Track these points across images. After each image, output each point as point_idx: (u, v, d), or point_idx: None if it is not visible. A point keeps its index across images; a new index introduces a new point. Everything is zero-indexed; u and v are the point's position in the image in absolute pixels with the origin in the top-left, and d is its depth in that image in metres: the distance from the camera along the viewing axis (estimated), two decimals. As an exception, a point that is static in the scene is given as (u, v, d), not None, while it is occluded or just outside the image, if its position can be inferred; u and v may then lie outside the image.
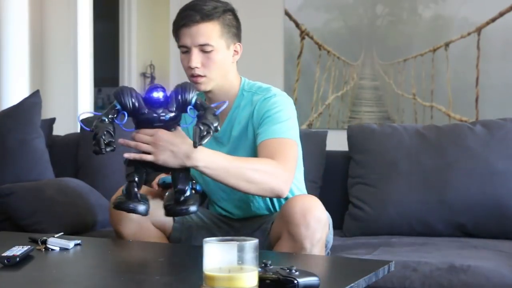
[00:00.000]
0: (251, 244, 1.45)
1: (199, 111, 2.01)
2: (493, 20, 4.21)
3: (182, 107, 2.02)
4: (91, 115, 2.09)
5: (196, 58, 2.27)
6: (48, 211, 2.86)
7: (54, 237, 2.08)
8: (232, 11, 2.35)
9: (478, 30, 4.24)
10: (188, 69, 2.29)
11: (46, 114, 4.06)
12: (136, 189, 2.05)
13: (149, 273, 1.85)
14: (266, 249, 2.25)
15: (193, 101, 2.01)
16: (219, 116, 2.00)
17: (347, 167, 3.06)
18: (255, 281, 1.46)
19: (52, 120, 3.49)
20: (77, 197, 2.99)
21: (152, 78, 7.95)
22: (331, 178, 3.09)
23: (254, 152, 2.30)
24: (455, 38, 4.31)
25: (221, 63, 2.30)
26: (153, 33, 7.54)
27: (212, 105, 2.04)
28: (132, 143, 2.07)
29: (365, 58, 4.53)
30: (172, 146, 2.04)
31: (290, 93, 4.61)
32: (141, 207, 2.04)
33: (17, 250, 1.86)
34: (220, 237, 1.50)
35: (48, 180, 3.11)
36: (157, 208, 2.19)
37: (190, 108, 2.01)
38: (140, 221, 2.17)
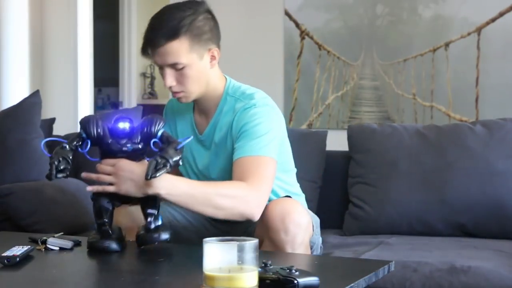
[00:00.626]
0: (251, 244, 1.45)
1: (162, 144, 2.00)
2: (493, 20, 4.21)
3: (147, 140, 2.02)
4: (56, 140, 2.06)
5: (170, 77, 2.22)
6: (48, 211, 2.86)
7: (54, 237, 2.08)
8: (204, 13, 2.24)
9: (478, 30, 4.24)
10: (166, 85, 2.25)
11: (46, 114, 4.06)
12: (107, 227, 2.04)
13: (149, 273, 1.85)
14: None
15: (159, 134, 2.01)
16: (182, 150, 1.97)
17: (347, 167, 3.06)
18: (255, 281, 1.46)
19: (52, 120, 3.49)
20: (77, 197, 2.99)
21: (152, 78, 7.96)
22: (331, 178, 3.09)
23: (231, 163, 2.25)
24: (455, 38, 4.30)
25: (196, 76, 2.23)
26: (153, 33, 7.53)
27: (180, 140, 2.00)
28: (94, 175, 2.05)
29: (365, 58, 4.53)
30: (133, 175, 2.00)
31: (290, 93, 4.61)
32: (114, 245, 2.02)
33: (17, 250, 1.86)
34: (220, 237, 1.50)
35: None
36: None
37: (154, 142, 2.00)
38: (128, 227, 2.16)
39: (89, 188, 2.06)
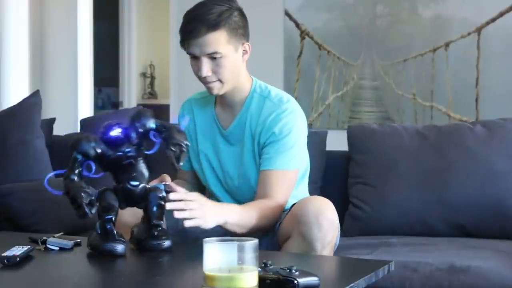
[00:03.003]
0: (251, 244, 1.45)
1: (162, 133, 1.96)
2: (493, 20, 4.21)
3: (144, 135, 1.96)
4: (55, 175, 1.97)
5: (206, 67, 2.28)
6: (48, 211, 2.86)
7: (54, 237, 2.08)
8: (238, 10, 2.34)
9: (478, 30, 4.24)
10: (200, 76, 2.32)
11: (46, 114, 4.06)
12: (112, 227, 1.97)
13: (149, 273, 1.85)
14: (272, 248, 2.26)
15: (153, 125, 1.96)
16: (184, 131, 1.98)
17: (347, 167, 3.05)
18: (255, 281, 1.46)
19: (52, 120, 3.49)
20: (77, 197, 2.99)
21: (152, 78, 7.96)
22: (331, 178, 3.09)
23: (255, 160, 2.35)
24: (455, 38, 4.31)
25: (231, 67, 2.30)
26: (153, 33, 7.54)
27: (172, 122, 2.00)
28: (184, 214, 2.06)
29: (365, 58, 4.53)
30: (215, 208, 2.16)
31: (290, 93, 4.58)
32: (120, 247, 1.94)
33: (17, 250, 1.86)
34: (220, 237, 1.50)
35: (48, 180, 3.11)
36: None
37: (154, 134, 1.95)
38: (132, 224, 2.17)
39: (176, 214, 2.06)
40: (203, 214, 2.07)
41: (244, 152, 2.38)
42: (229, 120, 2.42)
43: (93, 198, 1.90)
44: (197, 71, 2.30)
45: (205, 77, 2.29)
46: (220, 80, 2.31)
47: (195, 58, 2.30)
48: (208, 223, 2.09)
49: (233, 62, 2.31)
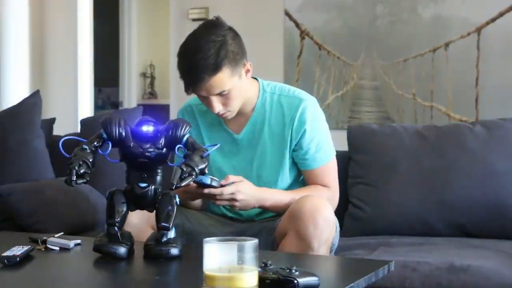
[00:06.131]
0: (251, 244, 1.45)
1: (189, 150, 1.91)
2: (493, 20, 4.21)
3: (171, 144, 1.92)
4: (75, 139, 1.95)
5: (217, 104, 2.28)
6: (49, 211, 2.86)
7: (54, 237, 2.08)
8: (230, 34, 2.27)
9: (478, 30, 4.24)
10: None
11: (46, 114, 4.06)
12: (116, 230, 1.93)
13: (149, 273, 1.85)
14: (270, 247, 2.26)
15: (184, 139, 1.92)
16: (208, 158, 1.90)
17: (347, 167, 3.05)
18: (255, 281, 1.46)
19: (52, 120, 3.49)
20: (77, 197, 2.99)
21: (152, 78, 7.96)
22: (331, 178, 3.08)
23: (273, 159, 2.38)
24: (455, 38, 4.30)
25: (239, 94, 2.30)
26: (153, 33, 7.53)
27: (206, 146, 1.95)
28: (218, 191, 2.21)
29: (365, 58, 4.53)
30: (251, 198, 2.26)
31: (290, 93, 4.61)
32: (122, 249, 1.90)
33: (17, 250, 1.86)
34: (220, 237, 1.50)
35: (48, 180, 3.11)
36: None
37: (179, 147, 1.91)
38: (139, 225, 2.16)
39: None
40: (232, 206, 2.25)
41: (261, 152, 2.39)
42: (241, 125, 2.40)
43: (88, 172, 1.88)
44: (207, 105, 2.30)
45: (217, 112, 2.29)
46: (230, 110, 2.30)
47: (204, 97, 2.28)
48: (236, 208, 2.27)
49: (240, 89, 2.29)
